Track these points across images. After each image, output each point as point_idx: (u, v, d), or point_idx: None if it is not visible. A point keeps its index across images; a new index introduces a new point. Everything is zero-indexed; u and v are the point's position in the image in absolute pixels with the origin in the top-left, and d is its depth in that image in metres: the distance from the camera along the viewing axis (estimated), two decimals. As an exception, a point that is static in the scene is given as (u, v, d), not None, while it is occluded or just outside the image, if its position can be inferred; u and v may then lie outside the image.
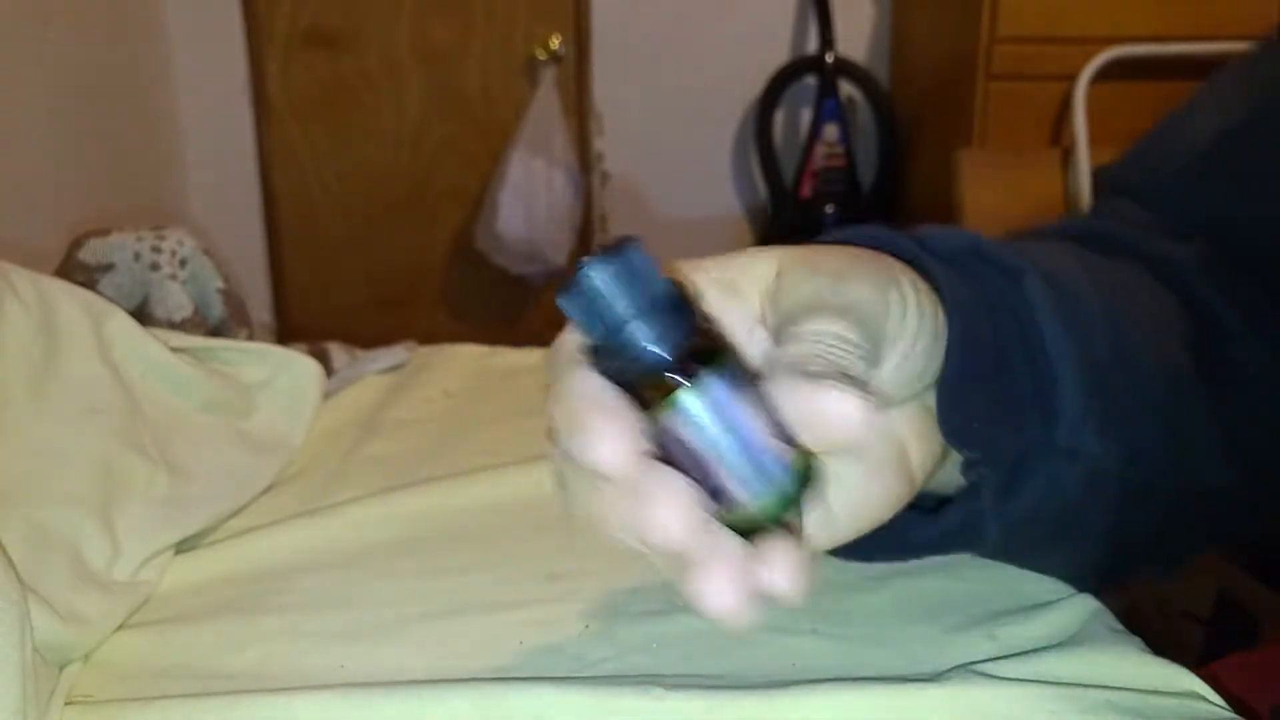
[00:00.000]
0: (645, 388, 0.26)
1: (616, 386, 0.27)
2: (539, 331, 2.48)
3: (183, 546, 0.56)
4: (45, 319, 0.55)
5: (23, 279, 0.55)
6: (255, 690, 0.43)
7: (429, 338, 0.87)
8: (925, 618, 0.46)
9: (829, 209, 2.23)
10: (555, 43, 2.24)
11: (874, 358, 0.30)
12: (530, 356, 0.83)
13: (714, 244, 2.41)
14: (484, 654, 0.46)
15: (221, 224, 2.20)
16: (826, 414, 0.26)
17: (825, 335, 0.29)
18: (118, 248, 0.70)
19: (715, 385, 0.26)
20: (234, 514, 0.60)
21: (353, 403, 0.73)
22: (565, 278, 0.25)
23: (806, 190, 2.23)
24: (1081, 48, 1.69)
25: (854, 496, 0.32)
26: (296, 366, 0.67)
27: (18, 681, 0.39)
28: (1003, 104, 1.84)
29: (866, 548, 0.37)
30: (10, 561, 0.43)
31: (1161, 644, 0.43)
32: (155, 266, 0.70)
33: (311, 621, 0.49)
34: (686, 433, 0.26)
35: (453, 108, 2.28)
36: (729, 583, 0.27)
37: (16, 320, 0.53)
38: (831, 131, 2.21)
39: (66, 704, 0.44)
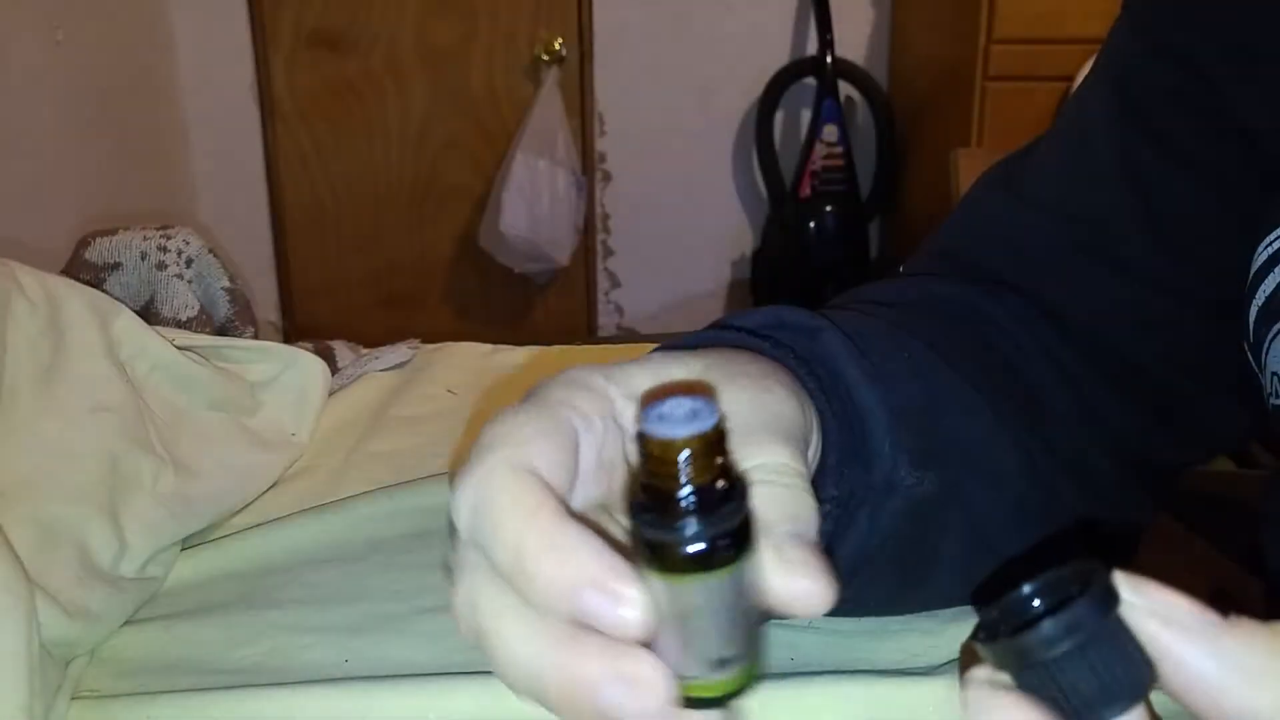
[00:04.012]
0: (667, 552, 0.23)
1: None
2: (542, 329, 2.46)
3: (189, 542, 0.57)
4: (52, 318, 0.55)
5: (30, 278, 0.56)
6: (261, 685, 0.44)
7: (433, 336, 0.87)
8: (922, 611, 0.47)
9: (828, 209, 2.23)
10: (558, 44, 2.24)
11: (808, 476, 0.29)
12: (533, 354, 0.83)
13: (715, 243, 2.42)
14: (487, 648, 0.46)
15: (228, 223, 2.21)
16: (800, 598, 0.25)
17: (772, 469, 0.28)
18: (124, 247, 0.70)
19: (747, 566, 0.24)
20: (239, 510, 0.60)
21: (357, 400, 0.74)
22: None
23: (806, 190, 2.24)
24: (1079, 48, 1.69)
25: None
26: (302, 364, 0.68)
27: (25, 677, 0.40)
28: (1001, 105, 1.84)
29: None
30: (17, 558, 0.44)
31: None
32: (161, 265, 0.70)
33: (317, 616, 0.50)
34: (699, 604, 0.24)
35: (456, 108, 2.29)
36: None
37: (24, 319, 0.54)
38: (831, 132, 2.21)
39: (73, 699, 0.44)
